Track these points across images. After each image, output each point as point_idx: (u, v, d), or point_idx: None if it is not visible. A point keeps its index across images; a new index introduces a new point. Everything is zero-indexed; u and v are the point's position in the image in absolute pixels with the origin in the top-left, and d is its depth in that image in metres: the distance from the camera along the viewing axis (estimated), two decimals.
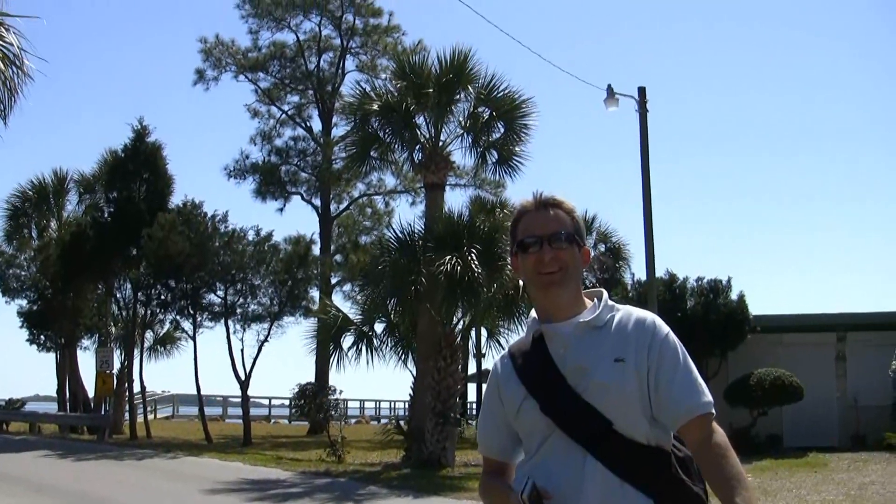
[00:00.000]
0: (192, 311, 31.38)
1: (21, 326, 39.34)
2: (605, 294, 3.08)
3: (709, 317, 25.57)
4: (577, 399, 2.88)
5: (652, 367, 2.88)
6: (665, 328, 2.97)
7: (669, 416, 2.87)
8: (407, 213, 59.56)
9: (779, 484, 16.65)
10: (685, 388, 2.87)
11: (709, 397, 2.89)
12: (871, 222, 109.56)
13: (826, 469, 19.43)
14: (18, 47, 11.45)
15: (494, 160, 23.33)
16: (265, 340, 30.67)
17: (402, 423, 25.47)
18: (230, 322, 30.71)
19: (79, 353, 38.76)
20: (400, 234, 21.84)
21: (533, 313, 3.11)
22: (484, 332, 26.36)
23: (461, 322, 22.32)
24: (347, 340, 23.02)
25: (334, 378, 34.85)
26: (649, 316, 3.00)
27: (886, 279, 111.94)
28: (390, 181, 44.00)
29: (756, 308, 26.75)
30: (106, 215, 33.72)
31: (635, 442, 2.87)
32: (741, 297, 26.44)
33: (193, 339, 31.82)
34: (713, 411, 2.88)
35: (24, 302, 39.82)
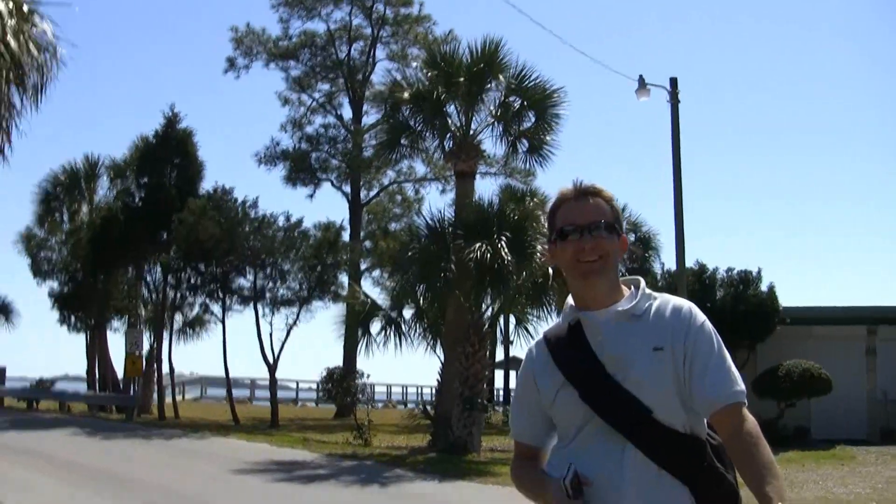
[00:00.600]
0: (221, 295, 31.59)
1: (52, 308, 39.77)
2: (643, 282, 3.10)
3: (738, 308, 25.52)
4: (617, 388, 2.91)
5: (688, 354, 2.91)
6: (701, 316, 2.99)
7: (702, 404, 2.89)
8: (437, 201, 59.44)
9: (805, 476, 16.64)
10: (719, 376, 2.89)
11: (741, 386, 2.90)
12: None
13: (853, 462, 19.39)
14: (52, 34, 11.56)
15: (525, 149, 23.31)
16: (294, 324, 30.91)
17: (428, 408, 25.55)
18: (259, 306, 30.89)
19: (108, 334, 39.23)
20: (430, 222, 21.90)
21: (570, 300, 3.12)
22: (512, 319, 26.37)
23: (490, 309, 22.35)
24: (376, 326, 23.12)
25: (362, 363, 34.95)
26: (686, 304, 3.02)
27: None
28: (420, 169, 43.94)
29: (786, 300, 26.72)
30: (137, 200, 33.98)
31: (674, 430, 2.90)
32: (771, 289, 26.38)
33: (222, 322, 32.10)
34: (745, 401, 2.90)
35: (55, 284, 40.14)
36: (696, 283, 26.00)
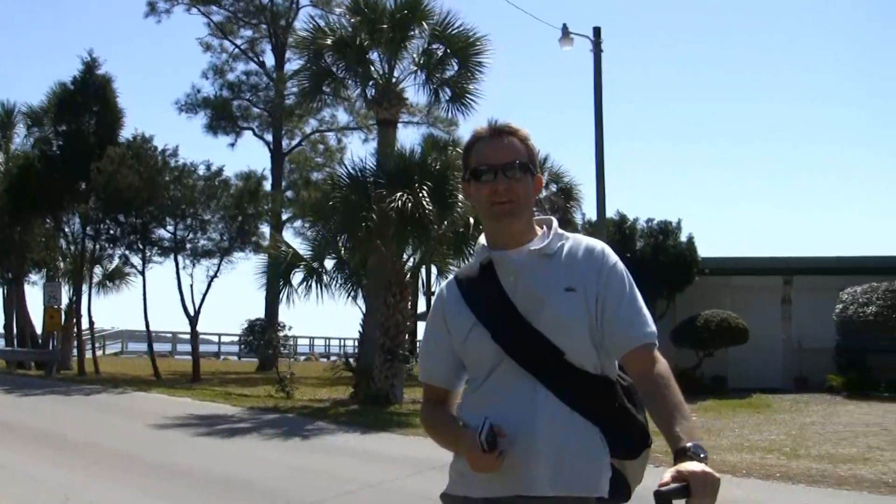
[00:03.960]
0: (141, 247, 31.15)
1: None
2: (556, 222, 3.07)
3: (658, 258, 25.78)
4: (529, 328, 2.88)
5: (600, 295, 2.89)
6: (614, 257, 2.97)
7: (613, 344, 2.88)
8: (359, 150, 59.33)
9: (722, 424, 16.91)
10: (630, 316, 2.88)
11: (652, 328, 2.89)
12: (822, 167, 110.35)
13: (769, 410, 19.75)
14: None
15: (448, 98, 23.26)
16: (215, 276, 30.61)
17: (351, 360, 25.54)
18: (180, 258, 30.53)
19: (26, 287, 38.60)
20: (351, 171, 21.70)
21: (482, 240, 3.09)
22: (434, 269, 26.43)
23: (411, 259, 22.31)
24: (297, 277, 22.93)
25: (284, 314, 34.86)
26: (599, 244, 3.00)
27: (833, 225, 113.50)
28: (343, 118, 43.84)
29: (705, 251, 27.06)
30: (55, 148, 33.23)
31: (585, 371, 2.88)
32: (690, 240, 26.69)
33: (143, 274, 31.69)
34: (656, 342, 2.89)
35: None
36: (616, 233, 26.18)
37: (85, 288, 33.30)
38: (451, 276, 3.22)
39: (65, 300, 34.09)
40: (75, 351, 33.63)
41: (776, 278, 27.29)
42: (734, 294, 26.86)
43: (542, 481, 2.80)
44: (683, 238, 26.73)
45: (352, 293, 22.70)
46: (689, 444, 2.57)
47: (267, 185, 35.30)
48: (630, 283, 2.95)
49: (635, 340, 2.85)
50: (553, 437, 2.81)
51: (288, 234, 38.68)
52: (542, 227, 3.05)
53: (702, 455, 2.53)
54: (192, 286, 30.56)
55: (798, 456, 12.80)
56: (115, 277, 35.17)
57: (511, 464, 2.79)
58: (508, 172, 2.93)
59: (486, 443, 2.73)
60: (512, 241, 2.97)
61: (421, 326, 42.35)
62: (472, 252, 20.69)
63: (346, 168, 22.16)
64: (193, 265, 30.64)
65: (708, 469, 2.46)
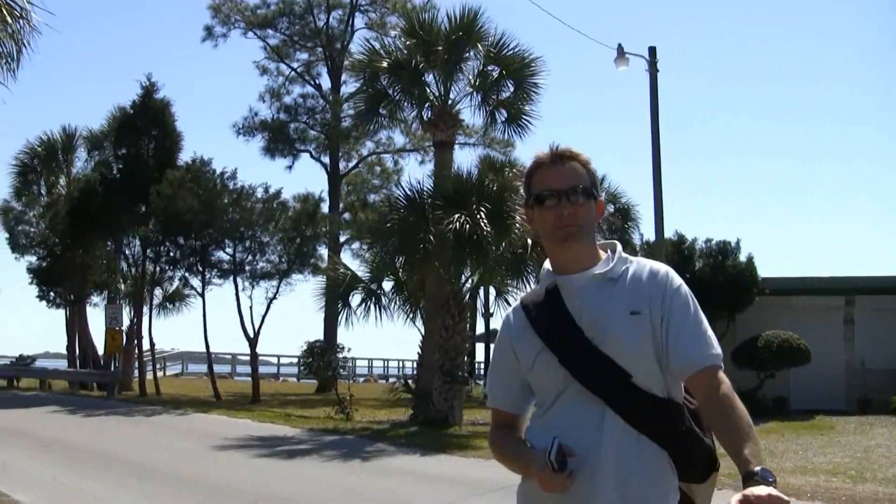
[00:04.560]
0: (200, 269, 31.45)
1: (31, 283, 39.40)
2: (619, 246, 3.07)
3: (717, 279, 25.58)
4: (596, 352, 2.87)
5: (664, 317, 2.88)
6: (678, 279, 2.96)
7: (678, 367, 2.86)
8: (416, 172, 59.43)
9: (785, 446, 16.71)
10: (694, 339, 2.86)
11: (717, 349, 2.87)
12: (884, 186, 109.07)
13: (832, 432, 19.48)
14: (25, 1, 11.35)
15: (503, 119, 23.23)
16: (274, 298, 30.82)
17: (409, 381, 25.54)
18: (239, 279, 30.83)
19: (88, 309, 39.01)
20: (408, 192, 21.77)
21: (547, 265, 3.09)
22: (492, 290, 26.37)
23: (469, 280, 22.29)
24: (356, 298, 23.03)
25: (343, 336, 34.96)
26: (663, 267, 2.99)
27: None
28: (399, 139, 43.95)
29: (764, 270, 26.81)
30: (115, 172, 33.79)
31: (652, 394, 2.87)
32: (750, 260, 26.46)
33: (202, 296, 31.96)
34: (721, 364, 2.87)
35: (33, 258, 39.83)
36: (675, 253, 26.04)
37: (145, 309, 33.68)
38: (517, 302, 3.21)
39: (126, 322, 34.52)
40: (136, 372, 34.02)
41: (838, 298, 26.95)
42: (795, 314, 26.54)
43: None
44: (743, 258, 26.52)
45: (410, 315, 22.74)
46: (757, 469, 2.54)
47: (324, 207, 35.51)
48: (695, 305, 2.93)
49: (700, 362, 2.83)
50: (620, 461, 2.80)
51: (346, 256, 38.89)
52: (605, 251, 3.05)
53: (770, 479, 2.50)
54: (251, 308, 30.88)
55: (864, 479, 12.60)
56: (174, 299, 35.58)
57: (579, 487, 2.77)
58: (571, 197, 2.93)
59: (556, 462, 2.72)
60: (576, 265, 2.97)
61: (479, 348, 42.50)
62: (529, 273, 20.80)
63: (404, 190, 22.24)
64: (252, 287, 30.94)
65: (775, 492, 2.43)
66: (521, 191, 3.12)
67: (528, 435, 3.04)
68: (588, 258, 2.98)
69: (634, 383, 2.85)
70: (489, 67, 22.90)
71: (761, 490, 2.44)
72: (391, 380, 51.63)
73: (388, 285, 23.10)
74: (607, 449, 2.81)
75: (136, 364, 34.14)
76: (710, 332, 2.90)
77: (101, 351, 36.17)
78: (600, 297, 2.92)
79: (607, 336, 2.87)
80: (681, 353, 2.84)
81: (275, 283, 30.84)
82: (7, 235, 40.13)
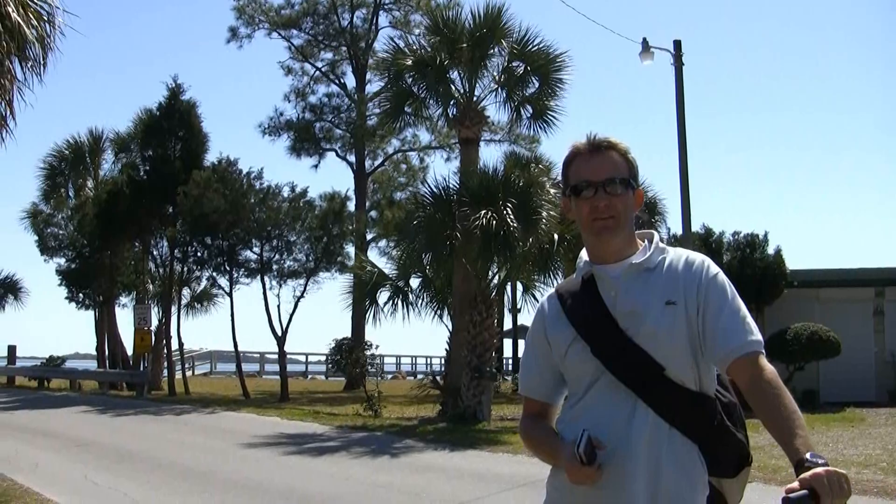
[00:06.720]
0: (228, 268, 31.57)
1: (60, 284, 39.61)
2: (657, 236, 3.06)
3: (745, 271, 25.42)
4: (630, 343, 2.86)
5: (701, 306, 2.86)
6: (715, 268, 2.94)
7: (718, 355, 2.82)
8: (442, 169, 59.64)
9: (816, 438, 16.58)
10: (734, 326, 2.82)
11: (758, 336, 2.84)
12: None
13: (863, 424, 19.37)
14: (52, 3, 11.38)
15: (529, 115, 23.22)
16: (301, 296, 30.88)
17: (438, 378, 25.56)
18: (266, 278, 30.93)
19: (117, 310, 39.24)
20: (435, 190, 21.76)
21: (583, 254, 3.08)
22: (519, 286, 26.37)
23: (496, 277, 22.29)
24: (383, 296, 23.12)
25: (370, 333, 35.01)
26: (699, 257, 2.97)
27: None
28: (425, 137, 43.95)
29: (793, 263, 26.67)
30: (142, 174, 33.95)
31: (685, 387, 2.86)
32: (778, 252, 26.30)
33: (230, 295, 32.05)
34: (763, 350, 2.83)
35: (62, 260, 40.04)
36: (702, 247, 25.89)
37: (174, 309, 33.90)
38: (552, 290, 3.21)
39: (154, 322, 34.73)
40: (165, 371, 34.22)
41: (868, 290, 26.78)
42: (824, 306, 26.39)
43: (639, 498, 2.77)
44: (771, 251, 26.35)
45: (437, 311, 22.78)
46: (807, 455, 2.50)
47: (351, 206, 35.62)
48: (732, 292, 2.91)
49: (741, 349, 2.79)
50: (651, 454, 2.79)
51: (373, 254, 39.01)
52: (643, 241, 3.04)
53: (821, 462, 2.44)
54: (278, 306, 30.95)
55: (895, 471, 12.53)
56: (202, 299, 35.79)
57: (609, 479, 2.77)
58: (609, 188, 2.92)
59: (585, 455, 2.71)
60: (613, 255, 2.96)
61: (507, 344, 42.46)
62: (556, 268, 20.78)
63: (430, 187, 22.24)
64: (280, 286, 31.04)
65: (831, 468, 2.40)
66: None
67: (559, 426, 3.04)
68: (625, 248, 2.98)
69: (667, 376, 2.84)
70: (514, 64, 22.90)
71: (818, 469, 2.41)
72: (419, 376, 51.68)
73: (415, 282, 23.20)
74: (638, 441, 2.80)
75: (165, 364, 34.33)
76: (750, 319, 2.87)
77: (130, 351, 36.39)
78: (636, 287, 2.91)
79: (642, 328, 2.86)
80: (721, 341, 2.81)
81: (302, 281, 30.93)
82: (36, 238, 40.36)
